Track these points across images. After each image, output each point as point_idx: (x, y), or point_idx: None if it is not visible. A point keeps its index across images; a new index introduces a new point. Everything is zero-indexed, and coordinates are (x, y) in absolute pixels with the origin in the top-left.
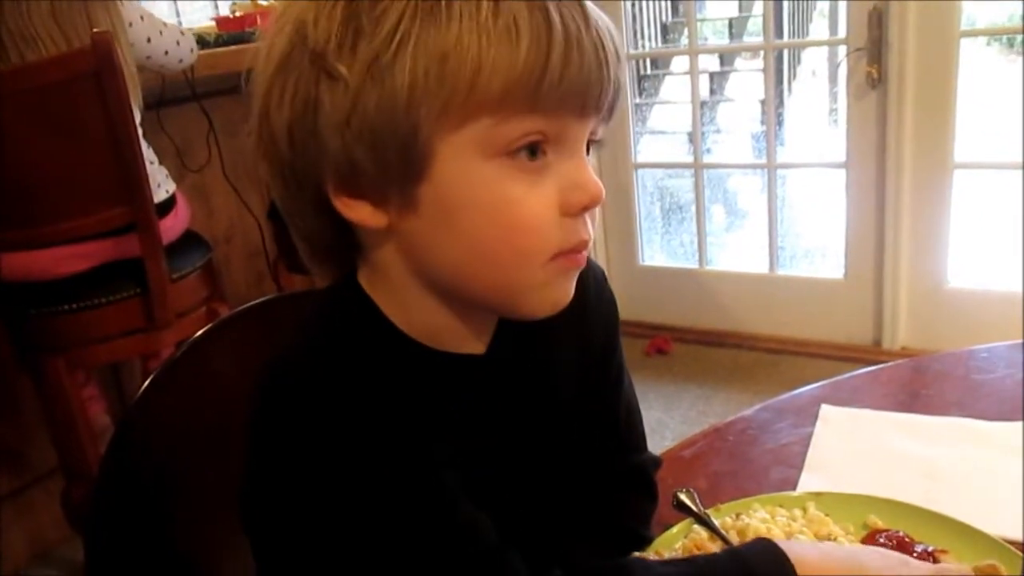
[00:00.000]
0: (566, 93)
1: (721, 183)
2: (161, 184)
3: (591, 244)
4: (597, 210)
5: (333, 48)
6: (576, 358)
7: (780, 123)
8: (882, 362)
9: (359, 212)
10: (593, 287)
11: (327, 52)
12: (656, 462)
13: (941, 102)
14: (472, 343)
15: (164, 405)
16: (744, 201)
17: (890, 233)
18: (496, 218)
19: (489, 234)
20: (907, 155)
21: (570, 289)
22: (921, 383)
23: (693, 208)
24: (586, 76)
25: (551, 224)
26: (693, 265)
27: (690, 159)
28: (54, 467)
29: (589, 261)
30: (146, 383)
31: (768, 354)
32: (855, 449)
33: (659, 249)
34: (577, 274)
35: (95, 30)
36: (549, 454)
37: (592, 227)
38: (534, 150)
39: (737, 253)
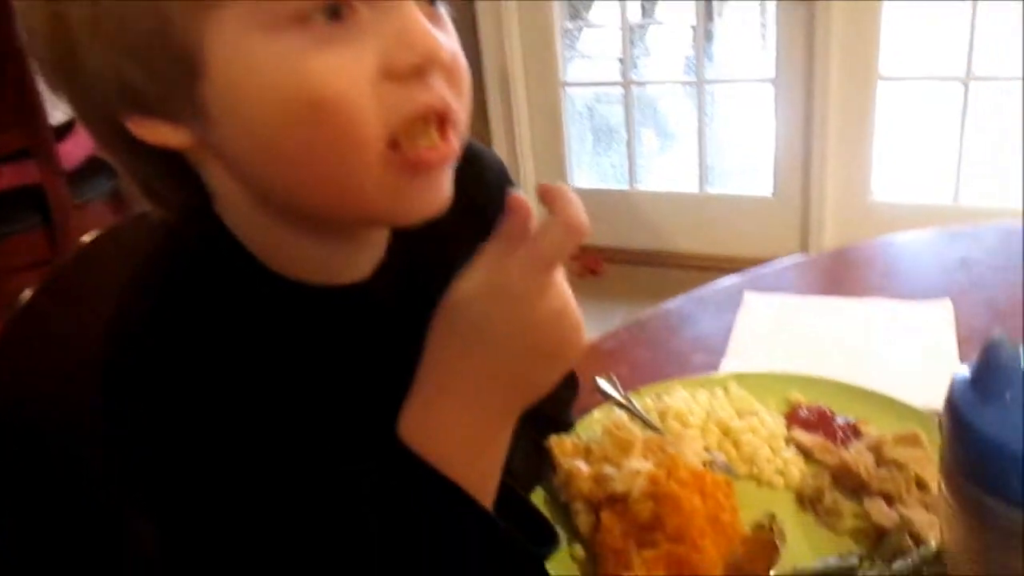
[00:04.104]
0: None
1: (651, 106)
2: (58, 104)
3: (458, 118)
4: (466, 82)
5: None
6: None
7: (710, 39)
8: None
9: (157, 133)
10: (494, 181)
11: None
12: None
13: (867, 14)
14: (355, 269)
15: (45, 324)
16: (674, 124)
17: (816, 149)
18: (292, 102)
19: (290, 126)
20: (833, 69)
21: (439, 190)
22: (844, 270)
23: (623, 130)
24: None
25: (365, 94)
26: (623, 186)
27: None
28: None
29: (482, 152)
30: (29, 295)
31: (698, 272)
32: (778, 333)
33: (589, 171)
34: (445, 171)
35: None
36: None
37: (454, 93)
38: (336, 10)
39: (668, 174)
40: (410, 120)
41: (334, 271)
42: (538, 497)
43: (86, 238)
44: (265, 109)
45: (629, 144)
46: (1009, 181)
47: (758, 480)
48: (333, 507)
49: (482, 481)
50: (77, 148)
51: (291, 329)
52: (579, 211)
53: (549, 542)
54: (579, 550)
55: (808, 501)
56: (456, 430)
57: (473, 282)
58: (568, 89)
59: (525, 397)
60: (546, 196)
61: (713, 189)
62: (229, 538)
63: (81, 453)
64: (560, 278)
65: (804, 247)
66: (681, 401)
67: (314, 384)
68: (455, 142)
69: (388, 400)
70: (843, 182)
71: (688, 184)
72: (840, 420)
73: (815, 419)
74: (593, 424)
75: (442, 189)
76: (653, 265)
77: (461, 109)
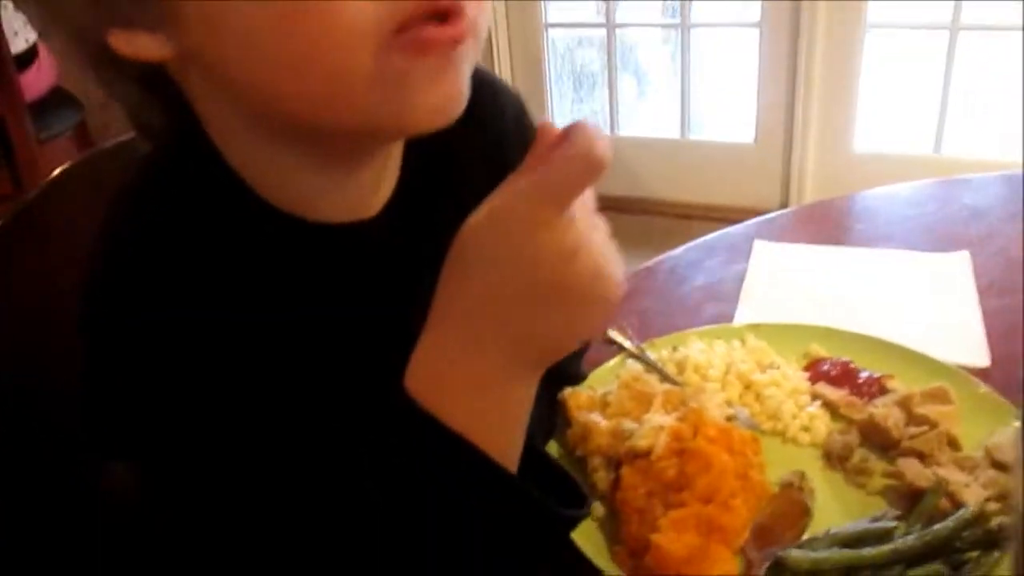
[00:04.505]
0: None
1: (632, 53)
2: (19, 32)
3: (474, 15)
4: None
5: None
6: None
7: None
8: None
9: (138, 44)
10: (513, 118)
11: None
12: None
13: None
14: (360, 206)
15: (19, 255)
16: (655, 71)
17: (801, 96)
18: None
19: (268, 21)
20: (821, 15)
21: (454, 85)
22: (852, 219)
23: (604, 75)
24: None
25: None
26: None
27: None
28: None
29: (502, 86)
30: None
31: (678, 220)
32: (792, 283)
33: (569, 117)
34: (454, 65)
35: None
36: None
37: None
38: None
39: (648, 120)
40: (411, 11)
41: (338, 207)
42: (551, 451)
43: (56, 172)
44: (239, 5)
45: (610, 88)
46: (990, 132)
47: (783, 436)
48: (325, 460)
49: (497, 439)
50: (39, 79)
51: (287, 267)
52: (597, 143)
53: (578, 505)
54: (597, 507)
55: (836, 459)
56: (460, 381)
57: (481, 212)
58: (550, 31)
59: (538, 348)
60: (567, 133)
61: (694, 136)
62: (210, 484)
63: (55, 393)
64: (584, 219)
65: (784, 196)
66: (698, 353)
67: (310, 327)
68: (463, 29)
69: (389, 348)
70: (826, 131)
71: (669, 130)
72: (864, 374)
73: (839, 373)
74: (606, 374)
75: (451, 85)
76: (633, 213)
77: (478, 10)
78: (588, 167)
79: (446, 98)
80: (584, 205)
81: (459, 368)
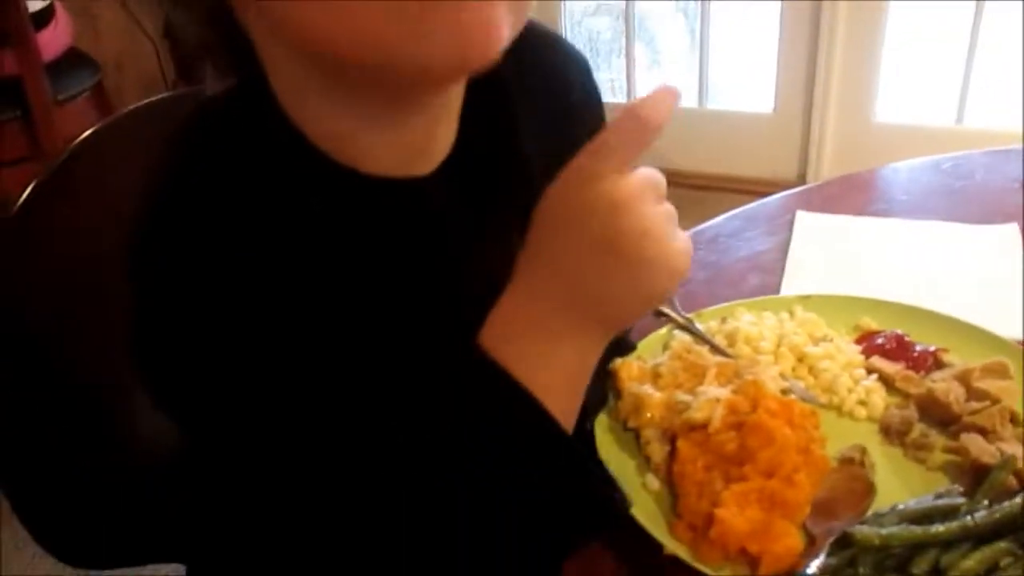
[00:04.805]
0: None
1: (644, 22)
2: None
3: None
4: None
5: None
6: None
7: None
8: None
9: None
10: (575, 78)
11: None
12: None
13: None
14: (415, 161)
15: (50, 215)
16: (668, 39)
17: (822, 65)
18: None
19: None
20: None
21: (480, 25)
22: (898, 190)
23: (618, 43)
24: None
25: None
26: (620, 100)
27: None
28: None
29: (567, 45)
30: (25, 193)
31: (694, 191)
32: (838, 255)
33: None
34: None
35: None
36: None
37: None
38: None
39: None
40: None
41: (390, 161)
42: (602, 423)
43: (87, 132)
44: None
45: (627, 57)
46: (1014, 103)
47: (838, 410)
48: (374, 412)
49: (559, 401)
50: (56, 38)
51: (339, 218)
52: (651, 105)
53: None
54: (652, 481)
55: (895, 433)
56: (519, 336)
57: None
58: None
59: (602, 308)
60: None
61: (712, 105)
62: (257, 431)
63: (88, 351)
64: (637, 187)
65: (803, 167)
66: (749, 324)
67: (360, 279)
68: None
69: (435, 304)
70: (847, 101)
71: (686, 99)
72: (918, 348)
73: (894, 346)
74: (654, 347)
75: (476, 25)
76: None
77: None
78: (638, 125)
79: (467, 39)
80: (644, 182)
81: (527, 323)
